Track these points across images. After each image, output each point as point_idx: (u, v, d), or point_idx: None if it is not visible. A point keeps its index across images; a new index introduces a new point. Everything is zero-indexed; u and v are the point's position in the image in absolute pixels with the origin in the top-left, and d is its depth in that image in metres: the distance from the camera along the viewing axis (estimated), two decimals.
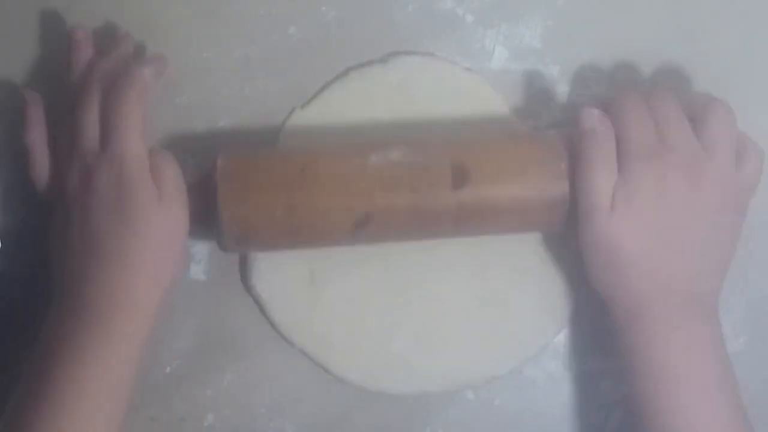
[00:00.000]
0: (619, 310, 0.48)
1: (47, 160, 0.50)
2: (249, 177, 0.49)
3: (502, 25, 0.56)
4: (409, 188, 0.48)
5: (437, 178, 0.49)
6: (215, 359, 0.55)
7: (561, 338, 0.56)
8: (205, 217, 0.49)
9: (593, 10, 0.57)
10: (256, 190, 0.49)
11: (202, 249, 0.55)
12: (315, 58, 0.56)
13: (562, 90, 0.56)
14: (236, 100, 0.56)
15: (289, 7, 0.56)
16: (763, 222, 0.55)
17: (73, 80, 0.51)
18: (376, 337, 0.54)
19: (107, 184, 0.47)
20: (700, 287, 0.48)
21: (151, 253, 0.47)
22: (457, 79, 0.56)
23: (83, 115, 0.49)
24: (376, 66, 0.56)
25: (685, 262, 0.48)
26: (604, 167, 0.47)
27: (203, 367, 0.55)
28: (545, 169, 0.49)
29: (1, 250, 0.55)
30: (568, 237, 0.50)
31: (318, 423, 0.55)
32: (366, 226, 0.49)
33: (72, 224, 0.48)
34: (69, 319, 0.47)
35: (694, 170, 0.47)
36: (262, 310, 0.55)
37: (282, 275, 0.54)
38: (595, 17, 0.57)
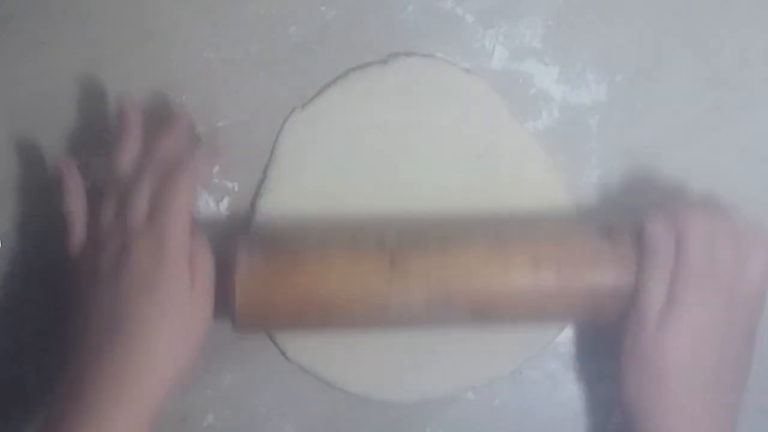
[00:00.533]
0: (649, 422, 0.49)
1: (85, 232, 0.51)
2: (266, 277, 0.49)
3: (502, 25, 0.56)
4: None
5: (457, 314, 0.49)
6: (215, 359, 0.55)
7: (561, 338, 0.55)
8: (219, 297, 0.50)
9: (593, 10, 0.57)
10: (272, 290, 0.49)
11: None
12: (315, 58, 0.56)
13: (562, 90, 0.56)
14: (236, 100, 0.56)
15: (288, 7, 0.56)
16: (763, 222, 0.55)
17: (124, 160, 0.51)
18: (374, 346, 0.54)
19: (145, 265, 0.47)
20: (725, 400, 0.49)
21: (176, 340, 0.48)
22: (457, 80, 0.56)
23: (134, 195, 0.49)
24: (375, 67, 0.56)
25: (721, 377, 0.49)
26: (658, 287, 0.48)
27: (203, 367, 0.54)
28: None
29: (1, 249, 0.55)
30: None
31: (318, 423, 0.55)
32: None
33: (100, 298, 0.48)
34: (82, 385, 0.47)
35: (735, 293, 0.49)
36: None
37: None
38: (595, 17, 0.57)
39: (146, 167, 0.50)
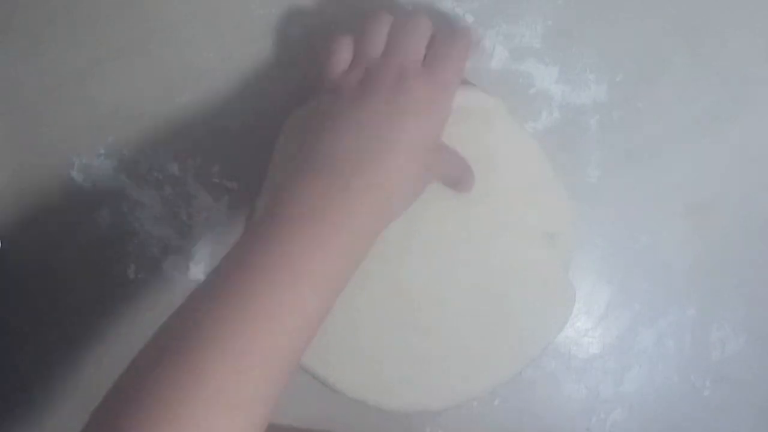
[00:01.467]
0: None
1: (376, 48, 0.49)
2: None
3: (502, 24, 0.56)
4: None
5: None
6: None
7: (561, 338, 0.56)
8: None
9: (593, 10, 0.57)
10: None
11: (202, 249, 0.55)
12: (314, 58, 0.56)
13: (562, 90, 0.56)
14: (236, 100, 0.56)
15: (289, 6, 0.56)
16: (763, 222, 0.55)
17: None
18: (375, 355, 0.54)
19: (422, 96, 0.46)
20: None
21: (416, 176, 0.47)
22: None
23: (412, 37, 0.49)
24: None
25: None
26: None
27: None
28: None
29: (1, 249, 0.55)
30: None
31: (317, 423, 0.55)
32: None
33: (344, 112, 0.46)
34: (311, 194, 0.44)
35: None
36: None
37: None
38: (595, 17, 0.57)
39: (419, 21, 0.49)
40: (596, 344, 0.55)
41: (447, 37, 0.50)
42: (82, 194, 0.55)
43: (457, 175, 0.51)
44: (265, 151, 0.55)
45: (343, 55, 0.49)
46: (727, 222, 0.55)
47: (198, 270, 0.55)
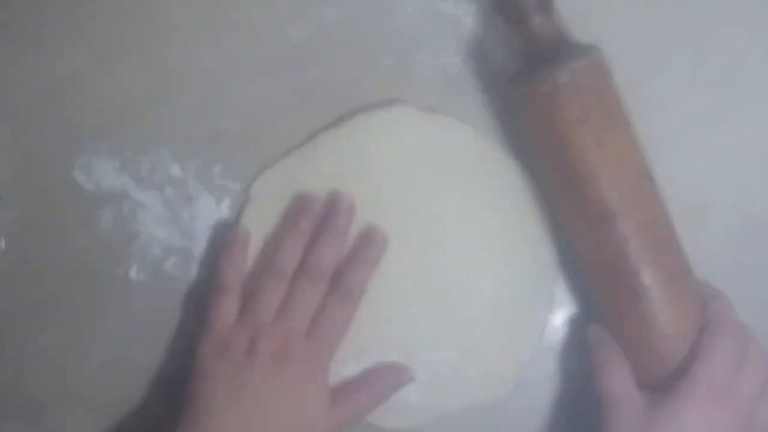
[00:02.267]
0: None
1: (235, 305, 0.51)
2: None
3: (502, 25, 0.56)
4: None
5: None
6: None
7: (560, 338, 0.56)
8: None
9: (593, 10, 0.56)
10: None
11: (204, 250, 0.55)
12: (314, 58, 0.56)
13: None
14: (238, 100, 0.56)
15: (288, 7, 0.56)
16: (761, 223, 0.55)
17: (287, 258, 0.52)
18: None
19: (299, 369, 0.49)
20: None
21: None
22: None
23: (299, 302, 0.51)
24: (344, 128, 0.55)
25: None
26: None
27: None
28: None
29: (4, 249, 0.55)
30: None
31: None
32: None
33: (237, 375, 0.49)
34: None
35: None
36: None
37: None
38: (594, 17, 0.56)
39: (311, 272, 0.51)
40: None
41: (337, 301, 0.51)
42: (83, 195, 0.55)
43: (386, 396, 0.53)
44: (267, 152, 0.55)
45: (231, 308, 0.51)
46: (725, 223, 0.55)
47: (200, 271, 0.55)
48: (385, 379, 0.53)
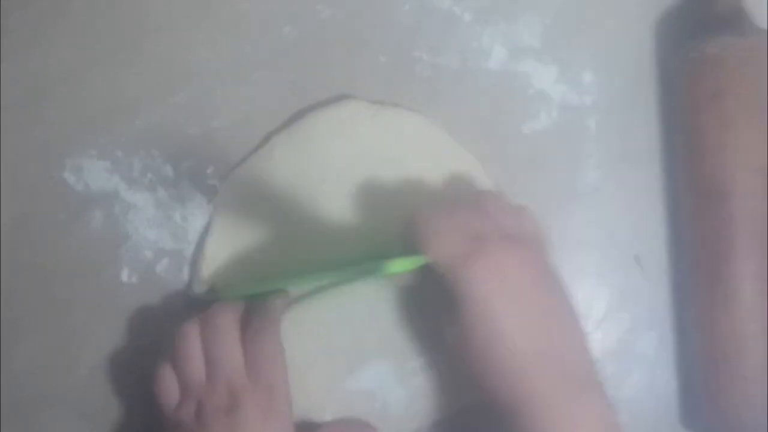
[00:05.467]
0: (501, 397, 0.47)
1: (198, 372, 0.49)
2: None
3: (501, 23, 0.56)
4: None
5: None
6: None
7: None
8: None
9: (592, 10, 0.56)
10: None
11: (197, 252, 0.55)
12: (310, 57, 0.56)
13: (561, 90, 0.56)
14: (231, 100, 0.55)
15: (284, 6, 0.56)
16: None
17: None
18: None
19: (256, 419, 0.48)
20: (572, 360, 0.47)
21: None
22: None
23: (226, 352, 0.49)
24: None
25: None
26: None
27: None
28: None
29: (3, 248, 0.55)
30: None
31: (316, 423, 0.55)
32: None
33: None
34: None
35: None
36: None
37: None
38: (594, 17, 0.56)
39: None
40: (595, 348, 0.55)
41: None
42: (74, 196, 0.55)
43: None
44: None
45: (169, 389, 0.49)
46: None
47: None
48: None
